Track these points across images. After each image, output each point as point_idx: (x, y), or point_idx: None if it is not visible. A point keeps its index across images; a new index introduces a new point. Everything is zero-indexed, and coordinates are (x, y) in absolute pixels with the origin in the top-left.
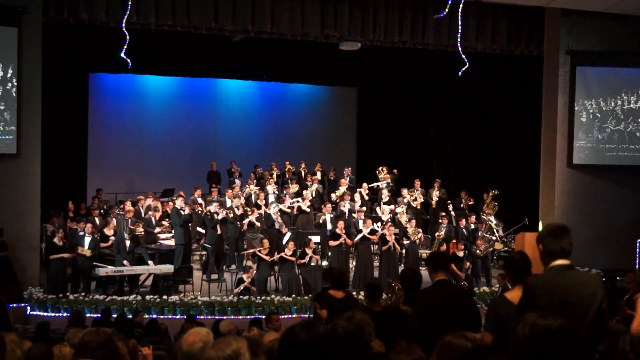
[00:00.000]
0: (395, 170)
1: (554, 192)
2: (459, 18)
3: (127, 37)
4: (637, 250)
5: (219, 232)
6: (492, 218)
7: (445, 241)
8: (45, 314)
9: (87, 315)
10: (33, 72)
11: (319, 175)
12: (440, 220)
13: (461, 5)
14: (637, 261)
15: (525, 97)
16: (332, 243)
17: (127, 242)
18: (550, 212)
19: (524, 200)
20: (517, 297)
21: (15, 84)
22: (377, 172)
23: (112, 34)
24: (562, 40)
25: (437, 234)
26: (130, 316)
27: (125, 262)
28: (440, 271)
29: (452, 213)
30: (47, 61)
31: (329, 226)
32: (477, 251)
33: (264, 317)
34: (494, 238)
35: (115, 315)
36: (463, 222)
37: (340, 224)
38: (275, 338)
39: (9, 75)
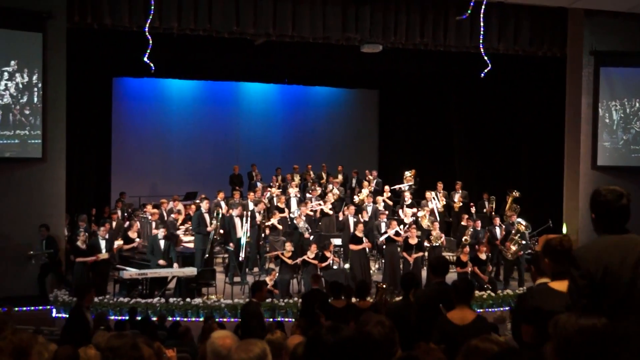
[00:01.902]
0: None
1: (578, 194)
2: (481, 19)
3: (150, 42)
4: None
5: (239, 235)
6: (521, 221)
7: (471, 245)
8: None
9: (112, 317)
10: (58, 77)
11: (340, 178)
12: (465, 224)
13: (483, 7)
14: None
15: (549, 99)
16: (353, 247)
17: (162, 243)
18: (575, 214)
19: (548, 203)
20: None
21: (41, 88)
22: (408, 176)
23: (135, 38)
24: (585, 41)
25: (464, 238)
26: (155, 319)
27: (160, 261)
28: (439, 276)
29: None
30: (71, 66)
31: (352, 228)
32: (508, 254)
33: (286, 319)
34: (523, 242)
35: (139, 318)
36: (478, 223)
37: (360, 227)
38: (299, 341)
39: (34, 80)
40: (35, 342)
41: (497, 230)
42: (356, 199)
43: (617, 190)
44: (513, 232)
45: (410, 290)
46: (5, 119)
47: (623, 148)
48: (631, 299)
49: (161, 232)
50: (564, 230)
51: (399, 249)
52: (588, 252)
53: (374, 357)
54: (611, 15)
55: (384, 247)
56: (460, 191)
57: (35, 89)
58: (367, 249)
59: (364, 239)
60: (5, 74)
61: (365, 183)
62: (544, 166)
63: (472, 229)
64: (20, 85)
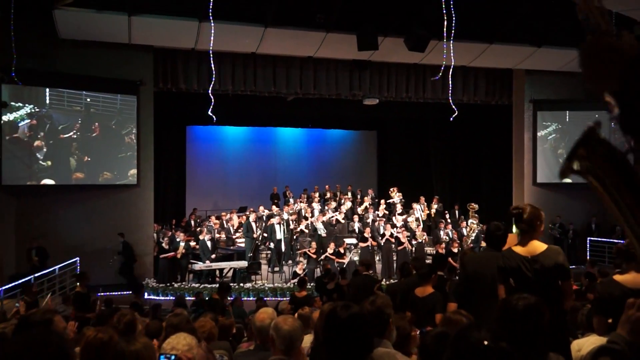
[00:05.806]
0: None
1: (523, 203)
2: (450, 78)
3: (212, 100)
4: (588, 246)
5: (278, 237)
6: (474, 222)
7: (446, 242)
8: (157, 297)
9: (187, 298)
10: (147, 126)
11: (349, 195)
12: (441, 227)
13: (451, 69)
14: (588, 254)
15: (500, 135)
16: (361, 244)
17: (209, 243)
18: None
19: (501, 210)
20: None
21: (135, 135)
22: (390, 191)
23: (202, 97)
24: (526, 92)
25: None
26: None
27: (206, 261)
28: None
29: (449, 220)
30: (157, 118)
31: (357, 231)
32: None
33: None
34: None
35: (207, 298)
36: (450, 227)
37: (367, 230)
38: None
39: (133, 131)
40: (136, 318)
41: (464, 231)
42: (359, 209)
43: (499, 225)
44: (470, 232)
45: (405, 275)
46: (111, 158)
47: (554, 169)
48: (490, 291)
49: (207, 236)
50: (514, 230)
51: (392, 246)
52: (470, 260)
53: (374, 325)
54: (545, 73)
55: (383, 244)
56: (437, 203)
57: (133, 136)
58: (370, 246)
59: (370, 239)
60: (113, 126)
61: (366, 198)
62: (498, 183)
63: (442, 231)
64: (122, 133)
